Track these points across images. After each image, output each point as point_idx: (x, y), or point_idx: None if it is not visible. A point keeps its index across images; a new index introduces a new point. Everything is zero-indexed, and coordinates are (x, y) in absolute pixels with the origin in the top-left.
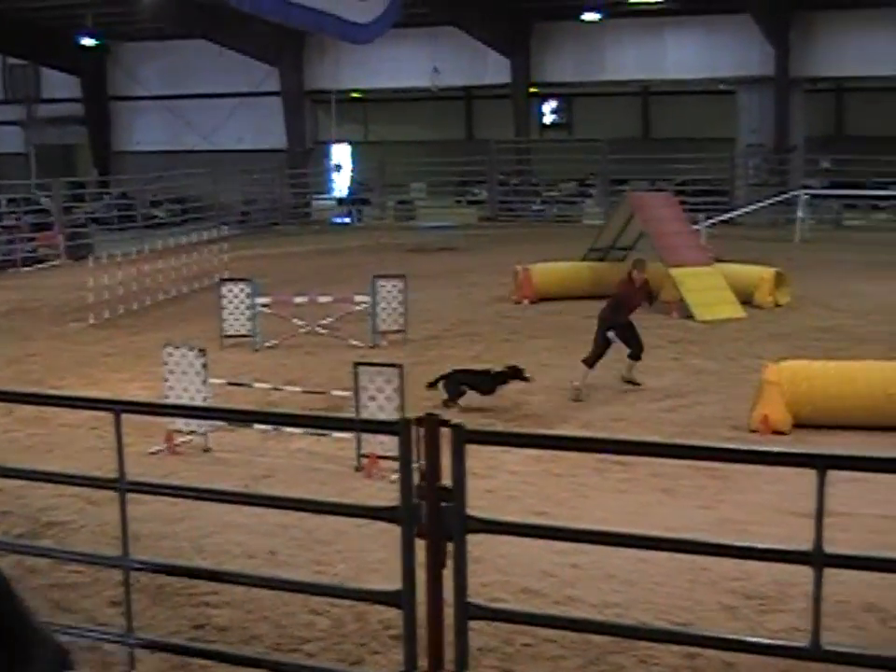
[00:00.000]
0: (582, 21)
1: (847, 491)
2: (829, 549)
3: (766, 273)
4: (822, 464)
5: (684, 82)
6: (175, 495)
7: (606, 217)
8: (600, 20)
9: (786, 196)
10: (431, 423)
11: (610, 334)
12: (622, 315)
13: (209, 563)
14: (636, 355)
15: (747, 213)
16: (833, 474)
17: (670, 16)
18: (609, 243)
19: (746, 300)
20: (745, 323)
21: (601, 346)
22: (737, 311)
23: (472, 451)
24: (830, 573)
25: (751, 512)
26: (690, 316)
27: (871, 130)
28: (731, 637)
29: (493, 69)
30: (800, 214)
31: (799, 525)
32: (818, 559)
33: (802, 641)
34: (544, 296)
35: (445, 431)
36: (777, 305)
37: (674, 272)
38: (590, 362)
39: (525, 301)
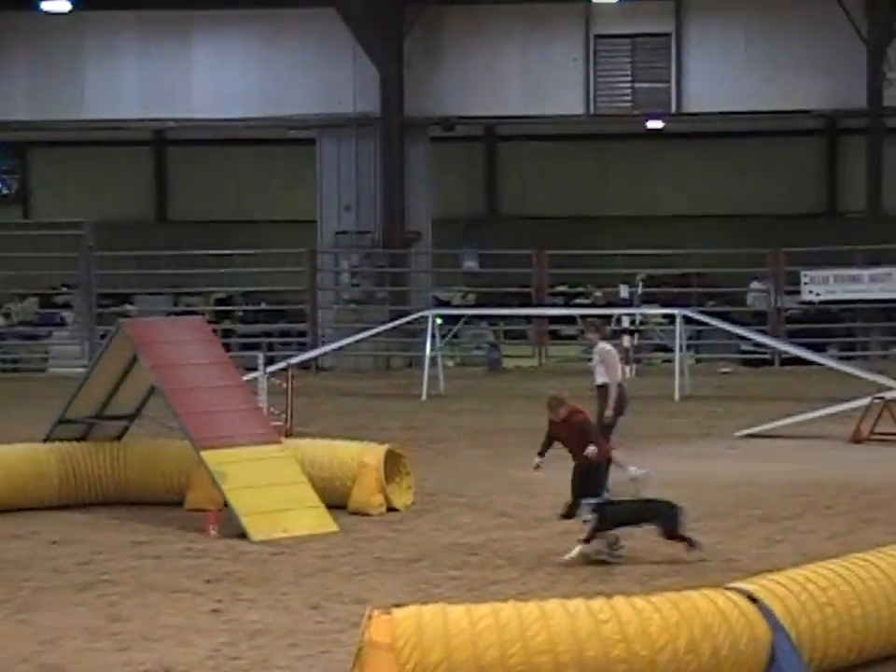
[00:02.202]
0: (45, 13)
1: None
2: None
3: (372, 454)
4: None
5: (225, 125)
6: None
7: (90, 361)
8: (72, 10)
9: (405, 320)
10: None
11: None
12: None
13: None
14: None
15: (339, 349)
16: None
17: (200, 10)
18: (95, 408)
19: (339, 501)
20: (337, 542)
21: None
22: (323, 521)
23: None
24: None
25: None
26: (241, 534)
27: (540, 205)
28: None
29: None
30: (429, 350)
31: None
32: None
33: None
34: None
35: None
36: (393, 509)
37: (207, 455)
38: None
39: None
